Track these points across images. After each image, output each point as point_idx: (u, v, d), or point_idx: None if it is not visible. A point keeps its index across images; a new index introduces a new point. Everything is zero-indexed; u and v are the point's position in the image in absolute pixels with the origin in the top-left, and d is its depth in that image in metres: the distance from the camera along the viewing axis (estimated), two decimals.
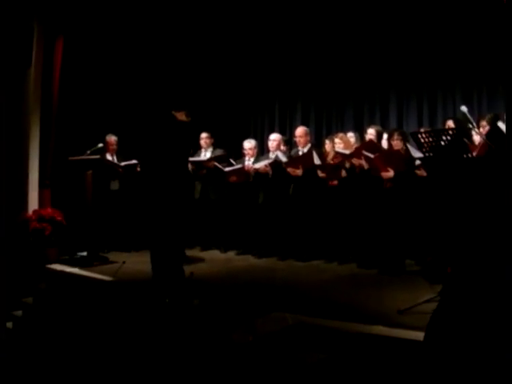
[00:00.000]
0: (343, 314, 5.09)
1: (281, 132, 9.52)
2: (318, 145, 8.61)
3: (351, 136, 7.89)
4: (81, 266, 7.55)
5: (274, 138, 8.53)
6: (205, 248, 9.09)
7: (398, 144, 6.99)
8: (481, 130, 6.33)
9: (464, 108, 5.19)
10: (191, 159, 8.83)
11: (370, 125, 8.00)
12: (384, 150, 7.25)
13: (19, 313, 6.61)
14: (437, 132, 5.07)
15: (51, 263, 7.81)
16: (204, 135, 9.12)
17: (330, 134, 8.67)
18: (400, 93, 8.86)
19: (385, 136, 7.53)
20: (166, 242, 6.22)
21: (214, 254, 8.78)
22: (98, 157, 7.93)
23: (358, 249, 7.52)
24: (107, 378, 4.27)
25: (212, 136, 9.19)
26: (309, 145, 8.17)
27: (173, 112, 6.26)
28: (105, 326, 5.12)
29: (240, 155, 8.88)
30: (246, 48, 10.04)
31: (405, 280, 6.48)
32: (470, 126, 5.32)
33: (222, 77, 10.53)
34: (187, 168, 6.54)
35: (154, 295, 5.83)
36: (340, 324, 4.82)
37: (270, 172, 8.18)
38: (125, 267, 7.32)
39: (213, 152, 9.03)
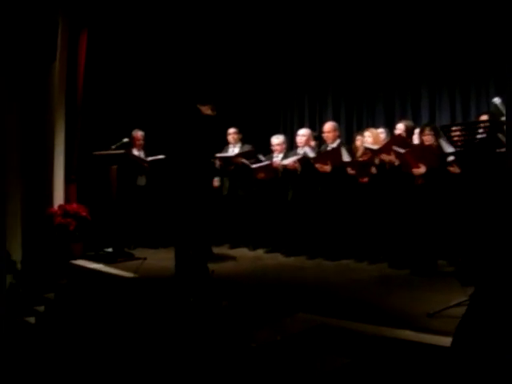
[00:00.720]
0: (371, 316, 4.80)
1: (310, 127, 9.19)
2: (348, 141, 8.31)
3: (381, 132, 7.58)
4: (105, 262, 7.38)
5: (303, 133, 8.23)
6: (234, 246, 8.89)
7: (429, 139, 6.63)
8: None
9: (497, 100, 4.81)
10: (219, 155, 8.68)
11: (401, 120, 7.61)
12: (415, 145, 6.91)
13: (42, 308, 6.53)
14: (468, 125, 4.74)
15: (76, 259, 7.67)
16: (232, 130, 8.90)
17: (361, 129, 8.30)
18: (432, 87, 8.44)
19: (416, 131, 7.16)
20: (191, 239, 6.05)
21: (243, 252, 8.55)
22: (122, 151, 7.73)
23: (389, 248, 7.19)
24: (124, 375, 4.13)
25: (240, 131, 8.96)
26: (338, 140, 7.84)
27: (198, 106, 6.07)
28: (124, 323, 4.95)
29: (269, 151, 8.60)
30: (276, 41, 9.77)
31: (437, 281, 6.13)
32: (504, 118, 4.94)
33: (251, 71, 10.30)
34: (212, 164, 6.30)
35: (175, 293, 5.63)
36: (366, 327, 4.55)
37: (299, 168, 7.90)
38: (150, 264, 7.20)
39: (241, 148, 8.81)
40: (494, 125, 4.71)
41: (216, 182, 8.03)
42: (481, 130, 4.50)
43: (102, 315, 5.30)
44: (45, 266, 7.49)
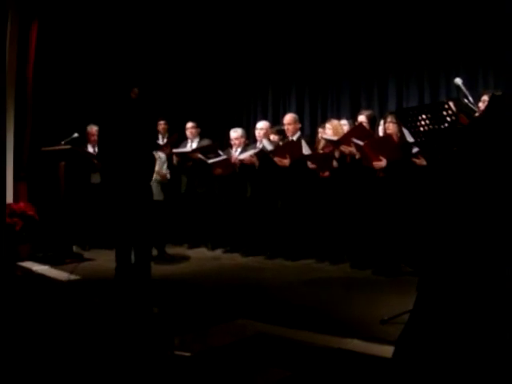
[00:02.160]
0: (320, 323, 4.28)
1: (274, 120, 8.64)
2: (313, 134, 7.72)
3: (344, 123, 6.98)
4: (52, 264, 6.81)
5: (261, 127, 7.68)
6: (192, 246, 8.34)
7: (391, 128, 6.03)
8: (480, 104, 5.36)
9: (458, 80, 4.20)
10: (175, 150, 8.14)
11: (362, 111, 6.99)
12: (374, 136, 6.32)
13: None
14: (429, 108, 4.07)
15: (23, 260, 7.07)
16: (190, 125, 8.35)
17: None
18: (399, 76, 7.75)
19: (382, 122, 6.57)
20: (130, 239, 5.46)
21: (201, 252, 8.02)
22: (69, 147, 7.10)
23: (351, 247, 6.63)
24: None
25: (198, 125, 8.38)
26: (298, 133, 7.28)
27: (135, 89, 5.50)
28: (53, 328, 4.36)
29: (229, 145, 8.01)
30: (238, 31, 9.14)
31: (399, 283, 5.58)
32: (466, 100, 4.31)
33: (211, 62, 9.66)
34: (150, 156, 5.67)
35: (107, 297, 5.07)
36: (310, 336, 4.01)
37: (257, 163, 7.32)
38: (98, 265, 6.77)
39: (199, 142, 8.24)
40: (459, 108, 4.12)
41: (167, 174, 7.36)
42: (444, 113, 3.85)
43: (32, 320, 4.71)
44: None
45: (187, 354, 3.77)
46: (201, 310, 4.79)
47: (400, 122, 5.78)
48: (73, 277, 5.94)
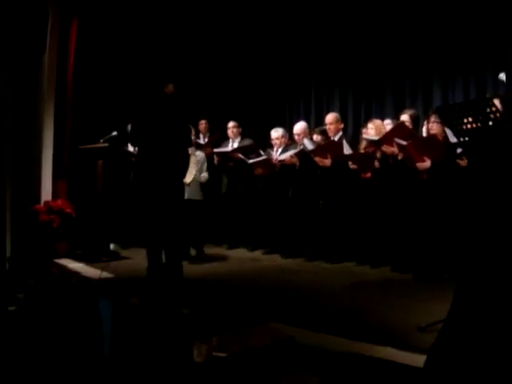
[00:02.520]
0: (354, 328, 4.03)
1: (317, 119, 8.44)
2: (356, 134, 7.48)
3: (388, 123, 6.72)
4: (87, 262, 6.73)
5: (298, 132, 7.43)
6: (232, 246, 8.18)
7: (435, 127, 5.72)
8: None
9: (503, 75, 3.88)
10: (216, 150, 7.99)
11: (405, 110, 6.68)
12: (418, 136, 6.04)
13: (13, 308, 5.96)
14: (471, 105, 3.76)
15: (60, 257, 7.03)
16: (231, 124, 8.20)
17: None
18: (444, 74, 7.35)
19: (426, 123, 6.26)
20: (160, 238, 5.32)
21: (240, 253, 7.86)
22: (106, 145, 7.02)
23: (393, 250, 6.35)
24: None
25: (240, 125, 8.24)
26: (340, 133, 7.01)
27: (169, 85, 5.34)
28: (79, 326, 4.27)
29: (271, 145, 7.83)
30: (281, 30, 8.95)
31: (441, 289, 5.22)
32: None
33: (254, 62, 9.50)
34: (185, 154, 5.50)
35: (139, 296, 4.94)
36: (342, 342, 3.75)
37: (297, 163, 7.12)
38: (132, 264, 6.68)
39: (240, 142, 8.08)
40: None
41: (205, 175, 7.23)
42: (488, 111, 3.56)
43: (63, 317, 4.63)
44: (28, 265, 6.86)
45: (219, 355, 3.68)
46: (234, 312, 4.61)
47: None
48: (105, 275, 5.83)
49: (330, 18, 8.41)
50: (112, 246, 7.72)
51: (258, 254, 7.72)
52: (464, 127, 3.68)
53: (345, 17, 8.26)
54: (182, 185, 5.56)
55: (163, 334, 4.09)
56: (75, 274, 6.02)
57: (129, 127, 7.75)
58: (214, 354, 3.73)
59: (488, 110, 3.51)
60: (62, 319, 4.53)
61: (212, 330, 4.15)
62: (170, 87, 5.40)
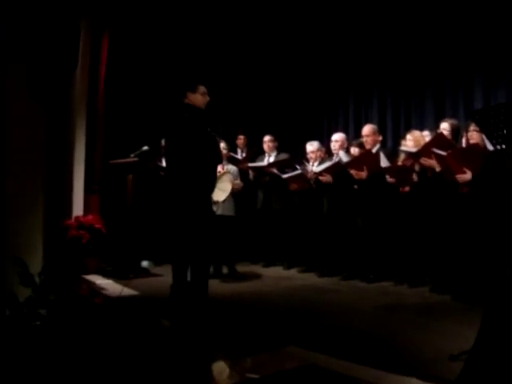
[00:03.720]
0: (381, 356, 3.68)
1: (355, 133, 8.03)
2: (394, 147, 7.11)
3: (426, 134, 6.33)
4: (116, 278, 6.53)
5: (337, 139, 7.14)
6: (268, 264, 7.85)
7: (474, 137, 5.29)
8: None
9: None
10: (251, 165, 7.73)
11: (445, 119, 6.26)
12: (458, 146, 5.62)
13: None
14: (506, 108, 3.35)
15: (90, 273, 6.85)
16: (267, 138, 7.92)
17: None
18: (487, 80, 6.89)
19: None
20: (186, 255, 5.05)
21: (275, 271, 7.54)
22: (136, 159, 6.82)
23: (432, 269, 5.93)
24: None
25: (276, 139, 7.92)
26: (378, 145, 6.62)
27: (188, 94, 5.05)
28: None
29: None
30: (316, 42, 8.70)
31: (481, 312, 4.84)
32: None
33: (289, 74, 9.25)
34: (213, 170, 5.19)
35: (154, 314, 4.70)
36: (361, 371, 3.40)
37: (330, 180, 6.79)
38: (161, 281, 6.32)
39: (276, 156, 7.78)
40: None
41: (237, 184, 6.95)
42: None
43: (82, 335, 4.41)
44: (58, 281, 6.69)
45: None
46: (250, 334, 4.32)
47: None
48: (128, 292, 5.61)
49: (368, 29, 8.11)
50: (145, 263, 7.53)
51: (293, 272, 7.39)
52: (500, 133, 3.29)
53: (383, 28, 7.94)
54: (208, 200, 5.26)
55: (177, 354, 3.83)
56: (97, 291, 5.82)
57: (162, 142, 7.61)
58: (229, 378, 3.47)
59: None
60: (81, 337, 4.33)
61: (231, 352, 3.87)
62: (202, 98, 5.11)
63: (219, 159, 5.48)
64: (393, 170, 6.17)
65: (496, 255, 2.41)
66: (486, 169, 5.06)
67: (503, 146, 3.31)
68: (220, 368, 3.66)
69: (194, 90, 5.05)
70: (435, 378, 3.17)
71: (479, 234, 5.15)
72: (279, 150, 7.96)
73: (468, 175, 5.26)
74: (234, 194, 6.84)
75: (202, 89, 5.07)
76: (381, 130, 7.15)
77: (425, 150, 5.62)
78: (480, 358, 2.24)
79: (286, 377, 3.42)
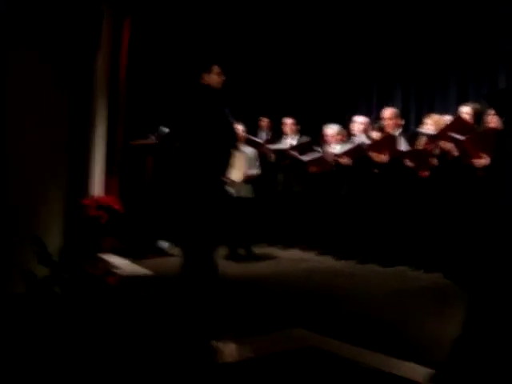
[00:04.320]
0: (387, 341, 3.68)
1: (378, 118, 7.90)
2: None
3: (448, 118, 6.17)
4: (134, 258, 6.55)
5: (361, 121, 7.02)
6: (287, 246, 7.75)
7: (494, 121, 5.17)
8: None
9: None
10: (272, 147, 7.66)
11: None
12: (477, 130, 5.48)
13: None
14: None
15: (106, 252, 6.86)
16: (288, 121, 7.84)
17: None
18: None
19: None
20: (195, 237, 5.02)
21: (293, 253, 7.44)
22: (154, 141, 6.81)
23: (444, 255, 5.81)
24: None
25: (298, 122, 7.83)
26: (399, 130, 6.50)
27: (203, 75, 5.00)
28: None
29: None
30: (339, 29, 8.61)
31: None
32: None
33: (315, 58, 9.12)
34: (227, 153, 5.14)
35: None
36: (363, 354, 3.39)
37: (350, 162, 6.69)
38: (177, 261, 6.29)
39: (298, 140, 7.69)
40: None
41: (253, 172, 6.92)
42: None
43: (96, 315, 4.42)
44: (73, 260, 6.75)
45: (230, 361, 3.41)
46: (259, 315, 4.33)
47: None
48: (140, 271, 5.64)
49: (390, 15, 7.97)
50: (165, 244, 7.53)
51: (310, 255, 7.28)
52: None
53: (404, 14, 7.80)
54: (220, 183, 5.21)
55: (180, 333, 3.82)
56: (111, 271, 5.84)
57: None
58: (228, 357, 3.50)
59: None
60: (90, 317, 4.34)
61: (234, 332, 3.87)
62: (217, 77, 5.06)
63: (234, 141, 5.42)
64: (412, 154, 6.05)
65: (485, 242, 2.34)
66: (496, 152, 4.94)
67: None
68: (221, 346, 3.65)
69: (209, 71, 5.01)
70: (433, 363, 3.10)
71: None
72: (301, 132, 7.86)
73: (484, 160, 5.13)
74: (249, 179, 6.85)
75: (216, 69, 5.01)
76: (403, 114, 7.04)
77: (443, 133, 5.51)
78: (465, 343, 2.18)
79: (280, 358, 3.39)
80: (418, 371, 3.01)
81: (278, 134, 7.99)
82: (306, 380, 3.09)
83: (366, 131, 6.94)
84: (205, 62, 5.09)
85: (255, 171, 6.99)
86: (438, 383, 2.37)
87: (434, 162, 5.88)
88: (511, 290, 2.19)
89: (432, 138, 5.70)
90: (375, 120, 7.34)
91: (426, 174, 5.99)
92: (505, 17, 6.06)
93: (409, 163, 6.08)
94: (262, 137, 8.23)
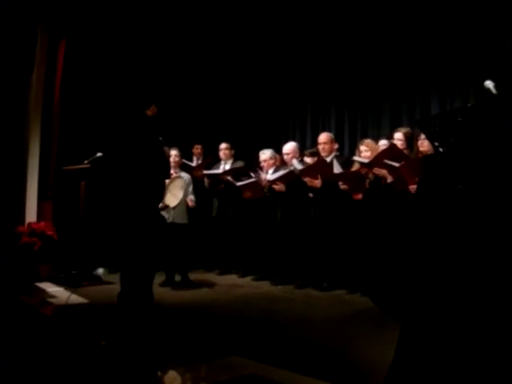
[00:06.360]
0: (327, 366, 3.61)
1: (313, 142, 7.89)
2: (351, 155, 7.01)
3: (383, 144, 6.23)
4: (68, 286, 6.32)
5: (287, 152, 6.98)
6: (224, 272, 7.71)
7: (425, 145, 5.24)
8: None
9: (489, 83, 3.30)
10: (206, 172, 7.59)
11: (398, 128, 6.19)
12: (410, 156, 5.54)
13: None
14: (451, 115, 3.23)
15: (42, 281, 6.65)
16: (223, 146, 7.75)
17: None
18: (443, 90, 6.80)
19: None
20: (133, 263, 4.90)
21: (230, 279, 7.39)
22: (88, 166, 6.63)
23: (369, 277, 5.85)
24: None
25: (232, 147, 7.79)
26: (334, 153, 6.55)
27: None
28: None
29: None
30: (273, 52, 8.63)
31: None
32: None
33: (247, 82, 9.15)
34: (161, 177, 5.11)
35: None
36: (305, 382, 3.29)
37: (283, 189, 6.69)
38: (112, 289, 6.04)
39: (232, 164, 7.62)
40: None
41: (190, 201, 6.85)
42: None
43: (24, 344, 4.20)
44: (10, 288, 6.47)
45: None
46: (196, 343, 4.21)
47: None
48: (76, 300, 5.45)
49: (325, 36, 8.02)
50: (100, 271, 7.33)
51: (247, 280, 7.25)
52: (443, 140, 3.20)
53: (340, 36, 7.87)
54: (155, 209, 5.15)
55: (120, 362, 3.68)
56: (45, 300, 5.62)
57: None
58: None
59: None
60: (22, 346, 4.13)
61: (172, 360, 3.78)
62: (153, 109, 5.05)
63: (167, 169, 5.40)
64: (346, 176, 6.09)
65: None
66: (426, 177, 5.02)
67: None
68: (163, 376, 3.55)
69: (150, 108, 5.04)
70: None
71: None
72: (235, 157, 7.81)
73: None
74: (188, 207, 6.81)
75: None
76: (338, 138, 7.10)
77: (377, 160, 5.55)
78: (398, 369, 2.15)
79: None
80: None
81: (214, 159, 7.90)
82: None
83: (296, 155, 6.93)
84: (147, 99, 5.08)
85: (191, 197, 6.89)
86: None
87: (367, 184, 5.92)
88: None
89: (367, 165, 5.72)
90: (311, 146, 7.39)
91: (360, 196, 6.03)
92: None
93: (343, 186, 6.10)
94: (194, 163, 8.15)
